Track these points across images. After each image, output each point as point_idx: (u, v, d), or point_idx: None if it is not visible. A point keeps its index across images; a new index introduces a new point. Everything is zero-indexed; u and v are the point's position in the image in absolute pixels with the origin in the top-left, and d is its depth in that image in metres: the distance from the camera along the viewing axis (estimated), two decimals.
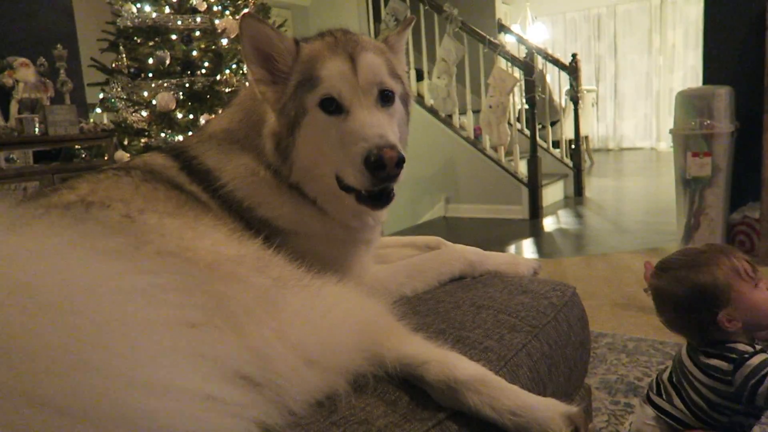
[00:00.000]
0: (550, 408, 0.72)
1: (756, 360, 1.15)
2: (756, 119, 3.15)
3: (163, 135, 3.35)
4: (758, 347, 1.20)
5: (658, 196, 5.33)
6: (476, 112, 5.22)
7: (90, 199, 0.78)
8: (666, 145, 9.00)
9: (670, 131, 3.36)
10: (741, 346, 1.20)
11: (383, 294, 1.02)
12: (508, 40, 6.10)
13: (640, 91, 9.69)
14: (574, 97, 5.83)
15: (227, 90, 3.39)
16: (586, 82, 7.91)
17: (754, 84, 3.17)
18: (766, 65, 3.10)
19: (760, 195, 3.16)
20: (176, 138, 3.28)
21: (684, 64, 9.19)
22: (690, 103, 3.21)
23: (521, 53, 5.14)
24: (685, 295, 1.24)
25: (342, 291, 0.77)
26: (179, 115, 3.34)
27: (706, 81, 3.53)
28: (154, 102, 3.28)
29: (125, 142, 3.49)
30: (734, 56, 3.42)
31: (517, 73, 4.97)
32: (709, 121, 3.13)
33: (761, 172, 3.14)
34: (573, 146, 5.78)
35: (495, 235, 4.39)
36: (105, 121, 3.80)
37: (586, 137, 7.28)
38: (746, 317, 1.21)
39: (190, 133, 3.26)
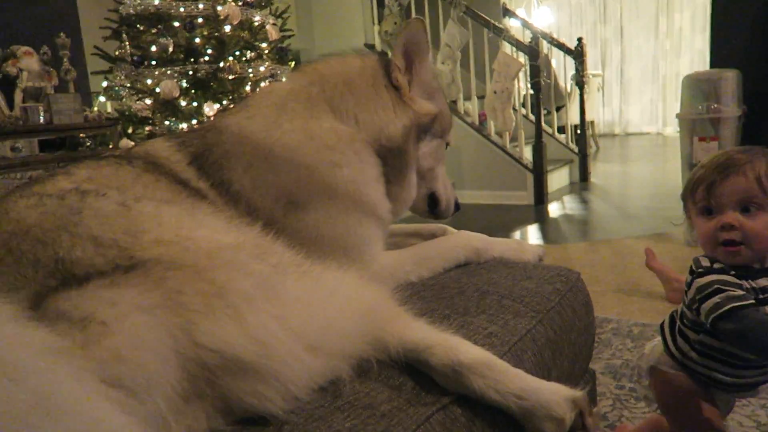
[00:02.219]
0: (554, 392, 0.72)
1: (705, 279, 1.05)
2: (764, 103, 3.12)
3: (167, 123, 3.34)
4: (717, 265, 1.07)
5: (664, 181, 5.31)
6: (481, 97, 5.18)
7: (86, 187, 0.78)
8: (672, 129, 8.93)
9: (677, 116, 3.34)
10: (703, 260, 1.09)
11: (390, 281, 1.03)
12: (512, 25, 6.04)
13: (647, 75, 9.60)
14: (580, 81, 5.78)
15: (230, 77, 3.38)
16: (591, 67, 7.85)
17: (761, 67, 3.14)
18: None
19: None
20: (180, 126, 3.28)
21: (691, 48, 9.09)
22: (697, 87, 3.18)
23: (526, 38, 5.10)
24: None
25: (343, 277, 0.77)
26: (183, 103, 3.34)
27: (713, 64, 3.49)
28: (157, 90, 3.28)
29: (129, 131, 3.49)
30: (742, 39, 3.38)
31: (522, 58, 4.93)
32: (716, 105, 3.10)
33: None
34: (578, 131, 5.74)
35: (500, 221, 4.38)
36: (109, 109, 3.80)
37: (592, 122, 7.24)
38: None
39: (194, 121, 3.28)
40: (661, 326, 1.25)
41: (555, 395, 0.71)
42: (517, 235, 3.97)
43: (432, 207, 1.25)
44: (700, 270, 1.08)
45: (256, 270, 0.68)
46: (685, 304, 1.14)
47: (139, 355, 0.56)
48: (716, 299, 1.02)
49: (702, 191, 1.09)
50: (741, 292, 1.02)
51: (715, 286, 1.03)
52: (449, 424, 0.69)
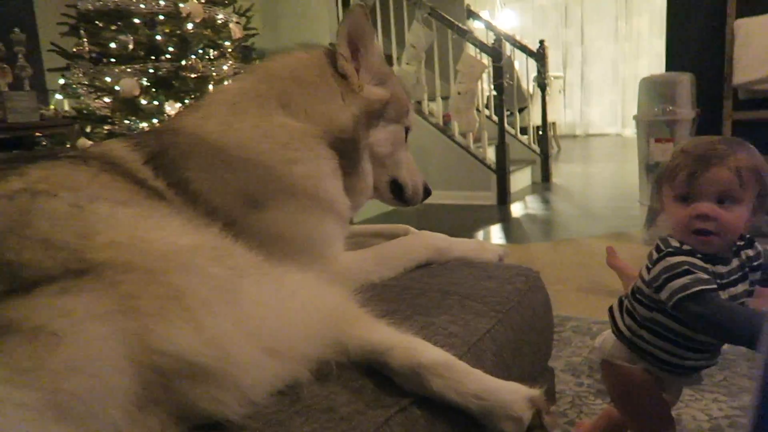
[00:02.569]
0: (513, 391, 0.73)
1: (675, 259, 1.07)
2: (716, 105, 3.23)
3: (127, 122, 3.27)
4: (686, 247, 1.09)
5: (624, 181, 5.44)
6: (445, 98, 5.22)
7: (37, 188, 0.75)
8: (632, 131, 9.11)
9: (634, 117, 3.43)
10: (672, 240, 1.11)
11: (351, 281, 1.02)
12: (476, 27, 6.11)
13: (607, 77, 9.82)
14: (542, 83, 5.88)
15: (193, 76, 3.32)
16: (553, 69, 7.99)
17: (714, 71, 3.25)
18: (726, 52, 3.17)
19: None
20: (141, 125, 3.21)
21: (650, 51, 9.33)
22: (653, 90, 3.28)
23: (490, 40, 5.16)
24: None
25: (303, 279, 0.77)
26: (144, 102, 3.26)
27: (668, 68, 3.60)
28: (117, 88, 3.20)
29: (88, 130, 3.40)
30: (696, 43, 3.49)
31: (486, 59, 4.99)
32: (671, 108, 3.19)
33: None
34: (540, 132, 5.84)
35: (464, 221, 4.42)
36: (66, 107, 3.69)
37: (554, 123, 7.36)
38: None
39: (155, 121, 3.21)
40: (610, 309, 1.27)
41: (513, 395, 0.72)
42: (480, 234, 4.01)
43: (397, 194, 1.25)
44: (669, 249, 1.10)
45: (214, 273, 0.67)
46: (643, 280, 1.15)
47: (94, 366, 0.54)
48: (685, 280, 1.04)
49: (682, 179, 1.10)
50: (707, 276, 1.05)
51: (685, 266, 1.05)
52: (409, 426, 0.70)
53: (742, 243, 1.14)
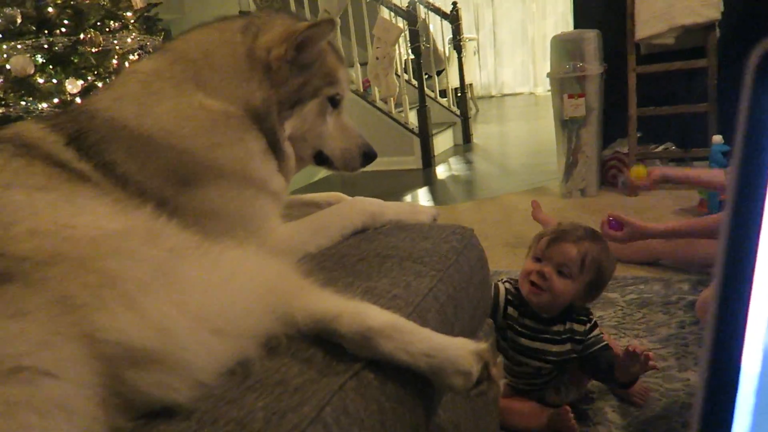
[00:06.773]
0: (460, 347, 0.75)
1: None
2: (621, 60, 3.39)
3: (23, 103, 3.02)
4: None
5: (539, 138, 5.64)
6: (363, 64, 5.17)
7: None
8: (543, 89, 9.47)
9: (548, 75, 3.53)
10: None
11: (288, 253, 1.01)
12: None
13: (517, 38, 10.06)
14: (457, 45, 5.94)
15: (93, 50, 3.10)
16: (466, 31, 8.07)
17: (617, 27, 3.39)
18: (627, 9, 3.32)
19: (628, 131, 3.43)
20: (40, 106, 2.98)
21: (555, 11, 9.62)
22: (563, 48, 3.38)
23: (404, 3, 5.13)
24: None
25: (244, 255, 0.74)
26: (40, 80, 3.02)
27: (576, 26, 3.72)
28: (7, 66, 2.94)
29: None
30: (600, 1, 3.63)
31: (401, 23, 4.97)
32: (581, 64, 3.32)
33: (627, 110, 3.40)
34: (459, 94, 5.92)
35: (391, 186, 4.45)
36: None
37: (471, 85, 7.48)
38: None
39: (55, 100, 2.99)
40: None
41: (461, 350, 0.74)
42: (408, 198, 4.06)
43: (326, 165, 1.21)
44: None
45: (150, 255, 0.64)
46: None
47: (76, 394, 0.51)
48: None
49: (543, 244, 1.44)
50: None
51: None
52: (362, 390, 0.70)
53: (581, 317, 1.46)
